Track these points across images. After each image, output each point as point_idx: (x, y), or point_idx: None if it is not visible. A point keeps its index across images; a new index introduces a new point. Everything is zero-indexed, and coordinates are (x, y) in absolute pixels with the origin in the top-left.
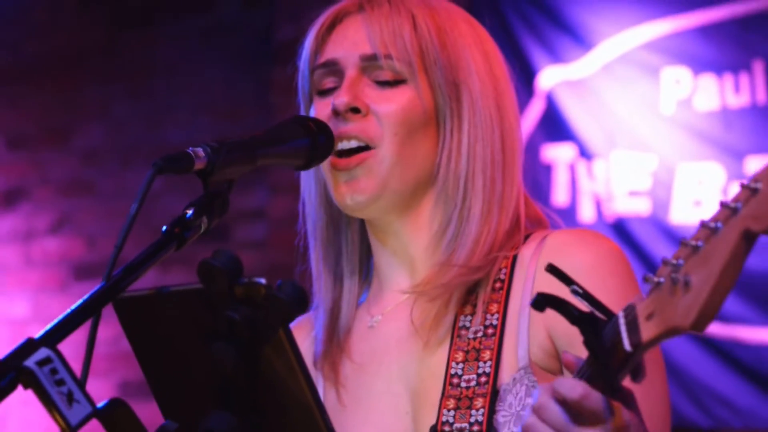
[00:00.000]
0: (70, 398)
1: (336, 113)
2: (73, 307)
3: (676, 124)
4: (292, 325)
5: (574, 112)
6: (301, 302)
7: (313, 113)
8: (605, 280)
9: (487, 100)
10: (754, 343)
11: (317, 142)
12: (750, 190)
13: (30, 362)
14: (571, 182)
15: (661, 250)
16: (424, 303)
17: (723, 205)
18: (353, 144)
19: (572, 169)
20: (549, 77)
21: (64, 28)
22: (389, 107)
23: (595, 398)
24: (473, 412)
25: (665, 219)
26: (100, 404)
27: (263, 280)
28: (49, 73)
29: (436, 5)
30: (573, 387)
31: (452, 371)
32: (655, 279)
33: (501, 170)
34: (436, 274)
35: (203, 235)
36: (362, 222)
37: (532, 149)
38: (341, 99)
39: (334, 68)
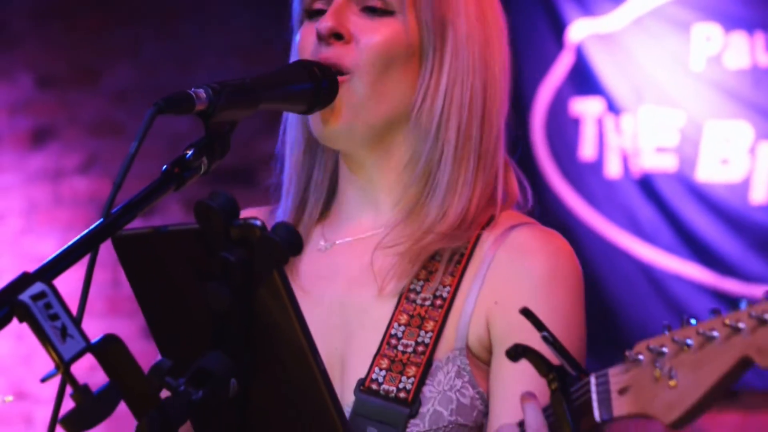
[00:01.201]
0: (63, 333)
1: (319, 37)
2: (70, 242)
3: (705, 81)
4: (249, 212)
5: (603, 66)
6: (294, 244)
7: (298, 37)
8: (557, 296)
9: (472, 44)
10: None
11: (320, 87)
12: (757, 320)
13: (24, 296)
14: (598, 136)
15: (687, 207)
16: (387, 251)
17: (720, 317)
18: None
19: (600, 124)
20: (579, 30)
21: None
22: (373, 37)
23: None
24: (403, 378)
25: (691, 176)
26: (93, 340)
27: (258, 222)
28: (80, 13)
29: None
30: None
31: (393, 331)
32: (633, 355)
33: (479, 117)
34: (413, 232)
35: (203, 175)
36: (338, 154)
37: (560, 102)
38: (325, 24)
39: None
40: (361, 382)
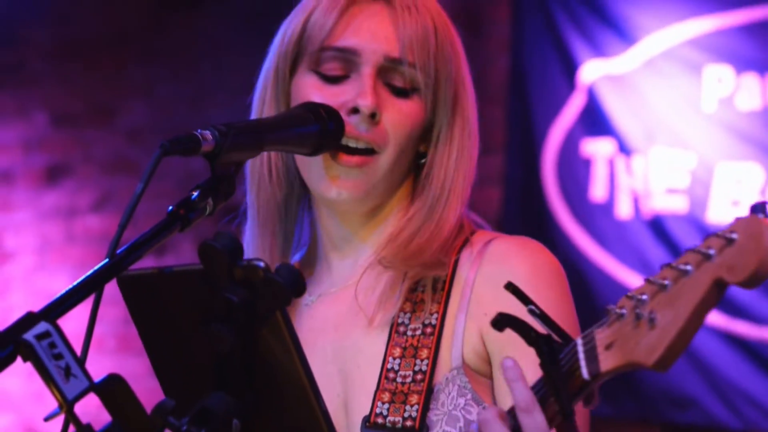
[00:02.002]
0: (67, 372)
1: (354, 111)
2: (75, 282)
3: (716, 122)
4: None
5: (614, 107)
6: (297, 286)
7: (303, 89)
8: (542, 292)
9: (473, 117)
10: None
11: (327, 130)
12: (725, 240)
13: (29, 335)
14: (609, 177)
15: None
16: (369, 283)
17: (693, 250)
18: (361, 145)
19: (611, 164)
20: (591, 71)
21: (111, 7)
22: (401, 119)
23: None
24: (407, 407)
25: (702, 218)
26: (97, 380)
27: (262, 263)
28: (96, 51)
29: (441, 10)
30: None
31: (389, 365)
32: (617, 310)
33: (471, 178)
34: (397, 259)
35: (208, 216)
36: (307, 208)
37: (571, 143)
38: (368, 103)
39: (350, 57)
40: (367, 419)
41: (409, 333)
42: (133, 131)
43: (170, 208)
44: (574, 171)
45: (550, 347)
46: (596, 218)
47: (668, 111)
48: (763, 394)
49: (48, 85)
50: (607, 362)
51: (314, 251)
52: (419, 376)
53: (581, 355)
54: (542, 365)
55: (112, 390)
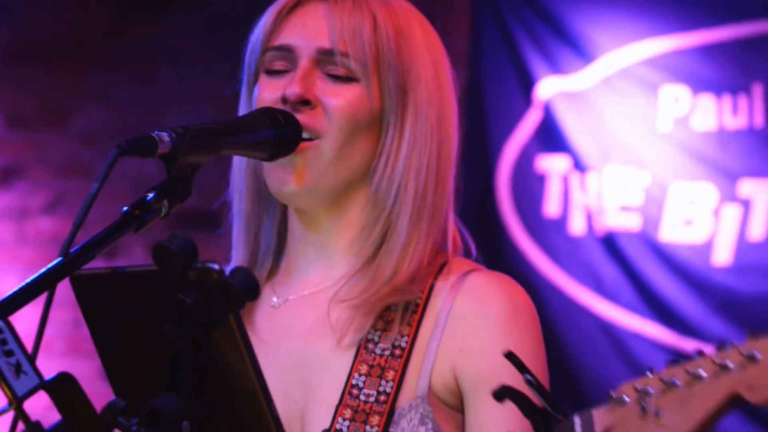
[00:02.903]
0: (18, 369)
1: (284, 101)
2: (28, 280)
3: (672, 142)
4: None
5: (570, 124)
6: (251, 289)
7: (257, 91)
8: (516, 333)
9: (430, 109)
10: None
11: (284, 134)
12: (746, 357)
13: None
14: (563, 194)
15: (649, 267)
16: (344, 304)
17: (706, 356)
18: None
19: (565, 181)
20: (548, 87)
21: (71, 11)
22: (338, 102)
23: None
24: (367, 427)
25: (655, 236)
26: (48, 378)
27: (216, 266)
28: (54, 54)
29: (396, 6)
30: None
31: (354, 381)
32: (617, 395)
33: (434, 181)
34: (365, 286)
35: (163, 218)
36: (287, 209)
37: (526, 158)
38: (293, 90)
39: (287, 54)
40: None
41: (378, 352)
42: (88, 135)
43: (125, 208)
44: (529, 186)
45: (547, 421)
46: (549, 234)
47: (624, 129)
48: None
49: (3, 86)
50: None
51: (287, 254)
52: (383, 398)
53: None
54: None
55: (63, 388)
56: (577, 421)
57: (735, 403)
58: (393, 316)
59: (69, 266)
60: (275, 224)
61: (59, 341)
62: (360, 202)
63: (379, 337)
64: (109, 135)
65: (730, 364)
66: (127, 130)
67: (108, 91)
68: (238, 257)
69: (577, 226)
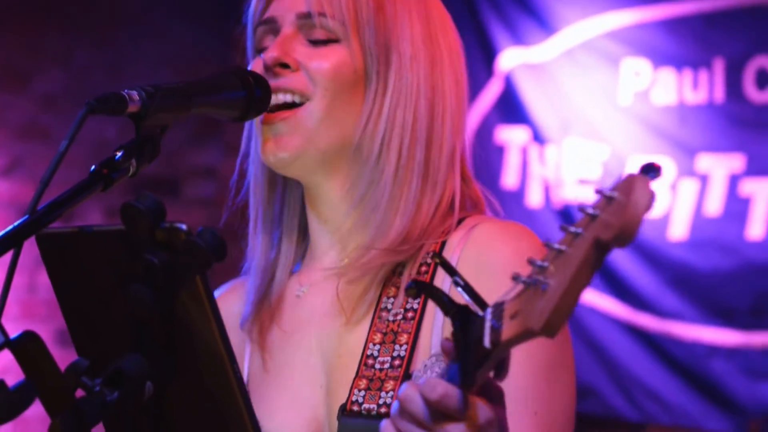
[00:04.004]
0: None
1: (266, 68)
2: None
3: (631, 115)
4: (227, 288)
5: (531, 96)
6: (219, 250)
7: (253, 66)
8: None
9: (417, 67)
10: (689, 339)
11: (253, 96)
12: (607, 199)
13: None
14: (521, 165)
15: None
16: (348, 280)
17: (584, 211)
18: (282, 98)
19: (524, 153)
20: (509, 59)
21: None
22: (320, 64)
23: (454, 397)
24: (383, 394)
25: None
26: (12, 336)
27: (184, 226)
28: (13, 16)
29: None
30: (433, 387)
31: (369, 352)
32: (524, 279)
33: (424, 137)
34: (362, 252)
35: (131, 178)
36: (302, 193)
37: (486, 130)
38: (270, 54)
39: (272, 26)
40: (343, 407)
41: (391, 318)
42: (47, 98)
43: (93, 167)
44: (487, 157)
45: (464, 317)
46: (506, 205)
47: (584, 102)
48: (663, 387)
49: None
50: (509, 331)
51: (309, 240)
52: (397, 362)
53: (487, 324)
54: (453, 334)
55: (27, 347)
56: (489, 311)
57: (601, 248)
58: (402, 280)
59: (36, 224)
60: (295, 208)
61: (14, 306)
62: (348, 165)
63: (392, 303)
64: (68, 98)
65: (597, 212)
66: (86, 93)
67: (68, 53)
68: (256, 246)
69: (534, 198)
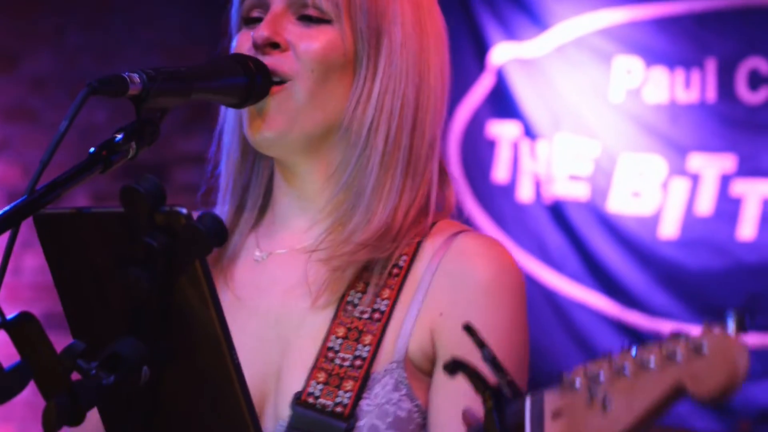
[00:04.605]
0: None
1: (255, 47)
2: None
3: (623, 113)
4: None
5: (522, 91)
6: (219, 235)
7: (235, 42)
8: (498, 302)
9: (406, 53)
10: None
11: (254, 82)
12: (694, 349)
13: None
14: (512, 160)
15: (595, 237)
16: (321, 262)
17: (655, 345)
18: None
19: (515, 148)
20: (501, 53)
21: None
22: (309, 44)
23: None
24: (340, 392)
25: (602, 206)
26: (9, 316)
27: (184, 210)
28: None
29: None
30: None
31: (330, 344)
32: (570, 379)
33: (410, 125)
34: (338, 242)
35: (130, 160)
36: (273, 161)
37: (477, 124)
38: (260, 33)
39: (262, 1)
40: (298, 396)
41: (356, 314)
42: (37, 80)
43: (92, 149)
44: (478, 151)
45: (498, 399)
46: (497, 200)
47: (576, 98)
48: None
49: None
50: (553, 431)
51: (271, 207)
52: (358, 362)
53: (527, 415)
54: (486, 416)
55: (23, 328)
56: (527, 401)
57: (679, 394)
58: (373, 279)
59: (34, 204)
60: (263, 178)
61: None
62: (334, 147)
63: (359, 299)
64: (58, 81)
65: (678, 355)
66: (76, 76)
67: (58, 36)
68: (223, 212)
69: (525, 193)
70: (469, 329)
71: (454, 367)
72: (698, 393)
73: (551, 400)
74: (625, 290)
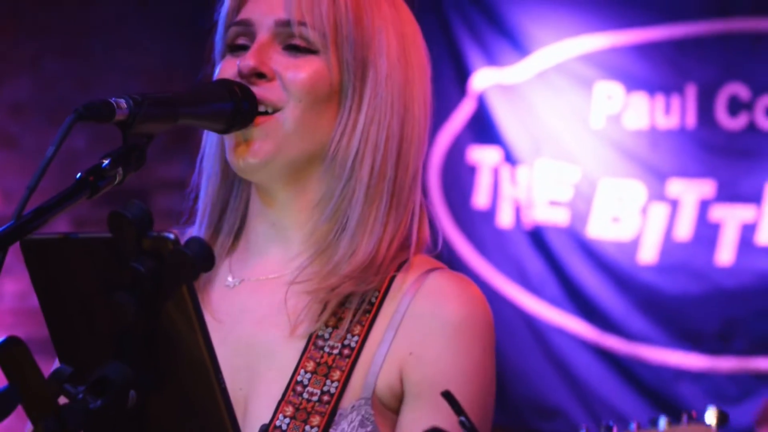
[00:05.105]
0: None
1: (241, 75)
2: None
3: (603, 138)
4: None
5: (503, 117)
6: (206, 260)
7: (218, 69)
8: (471, 343)
9: (392, 84)
10: (656, 362)
11: (240, 108)
12: None
13: None
14: (493, 186)
15: (575, 262)
16: (301, 291)
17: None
18: (259, 108)
19: (496, 173)
20: (483, 79)
21: None
22: (296, 74)
23: None
24: (307, 427)
25: (582, 232)
26: None
27: (172, 235)
28: None
29: None
30: None
31: (299, 378)
32: None
33: (395, 157)
34: (323, 273)
35: (116, 186)
36: (252, 186)
37: (458, 149)
38: (246, 62)
39: (247, 28)
40: (265, 429)
41: (327, 349)
42: (16, 106)
43: (79, 174)
44: (459, 177)
45: None
46: (477, 225)
47: (556, 124)
48: (629, 408)
49: None
50: None
51: (246, 232)
52: (326, 398)
53: None
54: None
55: (11, 352)
56: None
57: None
58: (346, 314)
59: (21, 230)
60: (241, 202)
61: None
62: (318, 177)
63: (330, 333)
64: (37, 107)
65: None
66: (55, 102)
67: (38, 61)
68: (199, 234)
69: (505, 218)
70: (447, 396)
71: None
72: None
73: None
74: (604, 315)
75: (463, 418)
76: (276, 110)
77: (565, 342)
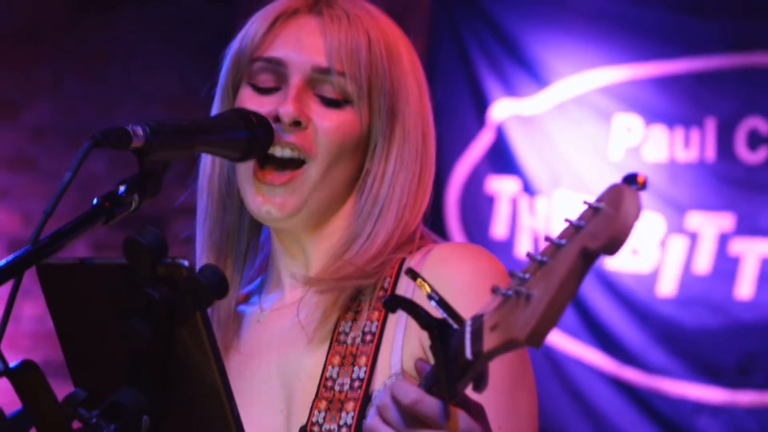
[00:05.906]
0: None
1: (277, 119)
2: None
3: (622, 171)
4: None
5: (522, 147)
6: (220, 287)
7: (239, 102)
8: (475, 294)
9: (417, 131)
10: (675, 396)
11: (256, 136)
12: (593, 210)
13: None
14: (511, 216)
15: (593, 294)
16: (311, 301)
17: (569, 222)
18: (287, 153)
19: (514, 203)
20: (501, 110)
21: (25, 3)
22: (330, 125)
23: (428, 403)
24: (343, 414)
25: (601, 263)
26: (12, 364)
27: (186, 262)
28: (4, 46)
29: (384, 24)
30: (406, 392)
31: (327, 374)
32: (503, 291)
33: (413, 200)
34: (330, 270)
35: (132, 212)
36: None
37: (476, 179)
38: (287, 110)
39: (278, 68)
40: (303, 429)
41: (349, 341)
42: (36, 129)
43: (95, 200)
44: (477, 207)
45: (442, 330)
46: (495, 255)
47: (575, 156)
48: None
49: None
50: (490, 342)
51: (271, 266)
52: (357, 383)
53: (467, 337)
54: (431, 347)
55: (26, 376)
56: (468, 324)
57: (586, 257)
58: (362, 305)
59: (37, 254)
60: (244, 242)
61: None
62: (342, 220)
63: (350, 327)
64: (57, 131)
65: (582, 222)
66: (75, 126)
67: (59, 85)
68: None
69: (523, 249)
70: (410, 272)
71: (394, 303)
72: (594, 248)
73: (490, 315)
74: (623, 347)
75: (431, 292)
76: (305, 158)
77: (583, 374)
